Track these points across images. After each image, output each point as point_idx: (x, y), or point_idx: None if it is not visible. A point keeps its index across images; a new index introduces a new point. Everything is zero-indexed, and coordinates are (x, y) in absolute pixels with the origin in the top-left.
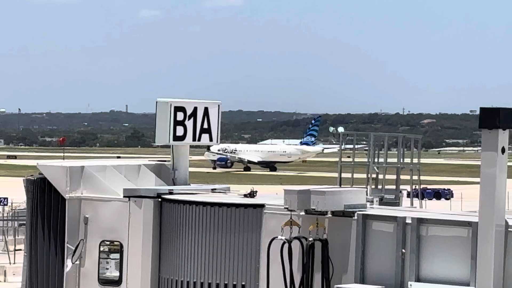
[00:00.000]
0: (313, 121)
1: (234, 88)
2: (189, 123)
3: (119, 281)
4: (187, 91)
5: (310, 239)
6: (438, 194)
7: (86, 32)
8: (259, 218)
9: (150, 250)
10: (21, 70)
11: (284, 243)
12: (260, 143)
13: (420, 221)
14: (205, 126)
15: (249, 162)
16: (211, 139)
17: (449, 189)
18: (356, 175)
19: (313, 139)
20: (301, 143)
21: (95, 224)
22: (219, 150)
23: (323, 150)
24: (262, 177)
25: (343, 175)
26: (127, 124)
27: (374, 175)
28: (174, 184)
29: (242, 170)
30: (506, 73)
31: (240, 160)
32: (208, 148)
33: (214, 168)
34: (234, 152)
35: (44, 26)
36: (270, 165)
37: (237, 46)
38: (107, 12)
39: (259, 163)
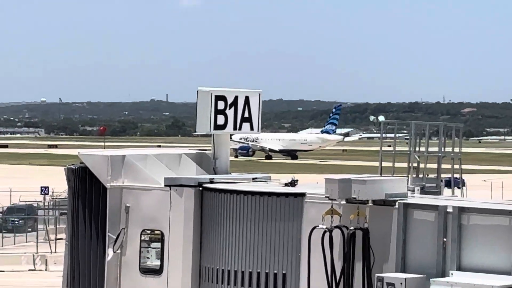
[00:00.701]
0: (333, 110)
1: (275, 77)
2: (230, 112)
3: (160, 270)
4: (228, 80)
5: (351, 228)
6: (449, 183)
7: (126, 21)
8: (300, 207)
9: (191, 239)
10: (61, 60)
11: (325, 232)
12: (300, 131)
13: (461, 210)
14: (246, 115)
15: (271, 150)
16: (252, 128)
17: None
18: (397, 164)
19: (334, 127)
20: (322, 132)
21: (136, 213)
22: (241, 139)
23: (343, 138)
24: (302, 166)
25: (384, 164)
26: (167, 113)
27: (415, 164)
28: (215, 173)
29: (264, 158)
30: None
31: (262, 149)
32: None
33: (236, 156)
34: (256, 141)
35: (84, 15)
36: (291, 154)
37: (277, 35)
38: (148, 1)
39: (281, 151)
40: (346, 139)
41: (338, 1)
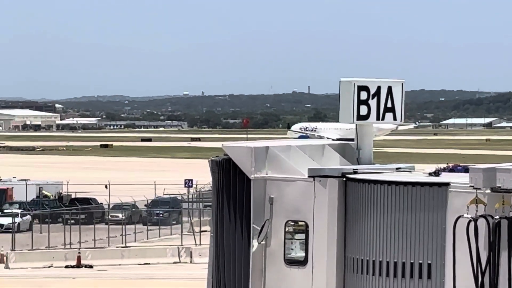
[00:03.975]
0: None
1: (417, 67)
2: (372, 102)
3: (304, 261)
4: (369, 70)
5: (496, 217)
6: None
7: (266, 15)
8: (444, 196)
9: (335, 229)
10: (203, 54)
11: (470, 221)
12: (443, 121)
13: None
14: (389, 105)
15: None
16: (395, 118)
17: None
18: None
19: None
20: None
21: (280, 204)
22: (300, 129)
23: (397, 127)
24: (445, 156)
25: None
26: (309, 105)
27: None
28: (359, 164)
29: None
30: None
31: (320, 138)
32: (288, 126)
33: None
34: (315, 130)
35: (225, 11)
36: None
37: (419, 24)
38: None
39: (338, 140)
40: (400, 127)
41: None
